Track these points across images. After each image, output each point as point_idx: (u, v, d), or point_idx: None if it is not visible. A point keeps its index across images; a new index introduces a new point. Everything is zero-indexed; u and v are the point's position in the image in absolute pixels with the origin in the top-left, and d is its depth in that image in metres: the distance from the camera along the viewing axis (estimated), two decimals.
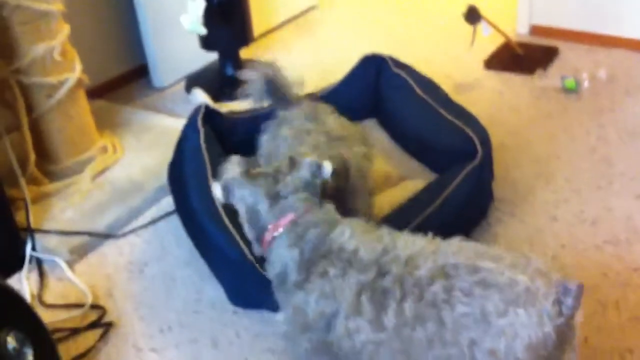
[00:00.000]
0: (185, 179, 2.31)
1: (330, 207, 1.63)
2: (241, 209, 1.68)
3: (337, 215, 1.62)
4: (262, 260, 2.03)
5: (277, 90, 2.32)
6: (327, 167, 1.68)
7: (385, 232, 1.57)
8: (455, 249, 1.47)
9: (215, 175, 2.10)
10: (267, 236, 1.62)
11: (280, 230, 1.59)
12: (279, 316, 1.71)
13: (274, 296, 1.93)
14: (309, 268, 1.54)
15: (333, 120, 2.23)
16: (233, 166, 1.69)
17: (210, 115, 2.53)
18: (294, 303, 1.57)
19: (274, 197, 1.62)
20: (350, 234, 1.54)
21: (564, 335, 1.36)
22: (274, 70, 2.32)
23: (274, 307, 2.05)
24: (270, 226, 1.62)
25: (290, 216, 1.59)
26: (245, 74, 2.33)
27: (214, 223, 2.12)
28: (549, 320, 1.33)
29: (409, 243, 1.51)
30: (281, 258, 1.59)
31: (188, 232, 2.39)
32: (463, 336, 1.38)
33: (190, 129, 2.44)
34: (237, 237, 2.06)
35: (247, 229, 1.71)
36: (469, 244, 1.50)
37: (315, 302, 1.52)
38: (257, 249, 1.71)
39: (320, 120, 2.20)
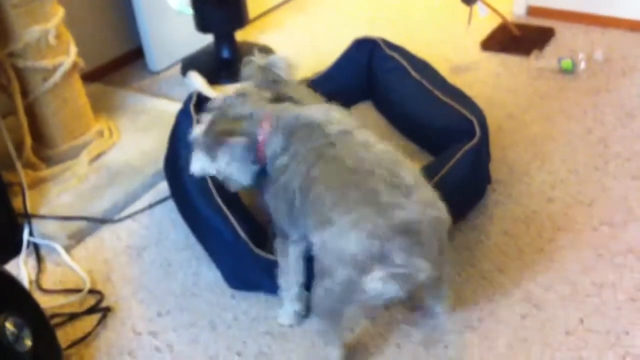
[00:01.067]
0: (181, 164, 2.31)
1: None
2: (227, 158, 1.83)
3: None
4: (256, 240, 2.06)
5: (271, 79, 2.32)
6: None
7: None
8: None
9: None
10: (260, 152, 1.82)
11: (262, 137, 1.80)
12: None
13: (270, 278, 2.00)
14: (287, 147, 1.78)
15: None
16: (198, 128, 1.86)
17: (204, 102, 2.53)
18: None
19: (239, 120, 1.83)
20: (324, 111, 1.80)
21: (380, 250, 1.57)
22: (269, 63, 2.33)
23: (270, 289, 2.07)
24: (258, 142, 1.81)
25: (264, 123, 1.81)
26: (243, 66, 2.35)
27: (208, 205, 2.13)
28: (371, 235, 1.56)
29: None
30: (273, 152, 1.80)
31: (184, 217, 2.39)
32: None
33: (183, 115, 2.45)
34: (232, 219, 2.07)
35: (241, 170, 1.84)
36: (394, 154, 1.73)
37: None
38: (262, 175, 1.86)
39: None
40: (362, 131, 1.78)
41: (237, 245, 2.05)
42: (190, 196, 2.21)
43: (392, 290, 1.59)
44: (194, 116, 2.41)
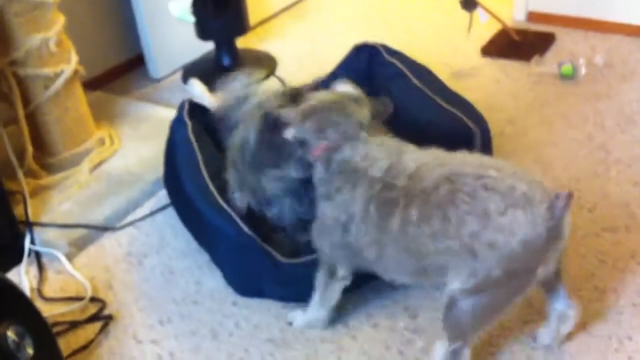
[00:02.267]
0: (179, 169, 2.32)
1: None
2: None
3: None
4: (260, 237, 2.07)
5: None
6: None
7: (394, 149, 1.79)
8: (460, 160, 1.68)
9: (207, 164, 2.26)
10: (314, 153, 1.86)
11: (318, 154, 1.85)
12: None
13: (274, 281, 2.03)
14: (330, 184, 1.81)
15: None
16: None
17: (199, 110, 2.56)
18: (318, 212, 1.85)
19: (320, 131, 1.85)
20: (363, 154, 1.78)
21: (553, 234, 1.57)
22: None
23: (273, 294, 2.07)
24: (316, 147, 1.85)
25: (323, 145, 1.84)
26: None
27: (211, 206, 2.14)
28: (542, 222, 1.53)
29: (416, 158, 1.73)
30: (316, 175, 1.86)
31: (185, 223, 2.40)
32: (465, 230, 1.57)
33: (177, 123, 2.47)
34: (235, 217, 2.08)
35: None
36: (473, 156, 1.72)
37: (332, 211, 1.80)
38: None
39: None
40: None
41: (241, 241, 2.05)
42: (191, 199, 2.21)
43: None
44: (188, 123, 2.43)
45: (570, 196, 1.55)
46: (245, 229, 2.05)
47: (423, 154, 1.76)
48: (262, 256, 2.03)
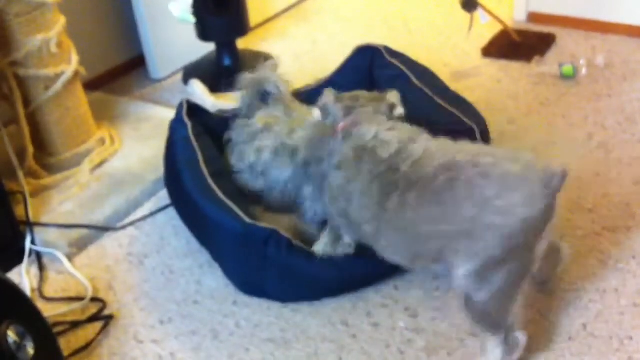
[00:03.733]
0: (179, 168, 2.32)
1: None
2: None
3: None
4: None
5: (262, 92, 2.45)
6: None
7: (406, 135, 1.89)
8: (460, 149, 1.77)
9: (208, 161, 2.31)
10: (338, 128, 2.03)
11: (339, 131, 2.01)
12: None
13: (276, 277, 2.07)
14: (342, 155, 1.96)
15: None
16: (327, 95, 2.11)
17: (198, 111, 2.58)
18: (330, 179, 1.99)
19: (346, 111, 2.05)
20: (374, 135, 1.91)
21: (549, 210, 1.65)
22: (262, 78, 2.45)
23: (275, 293, 2.08)
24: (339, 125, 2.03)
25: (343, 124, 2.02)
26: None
27: (212, 202, 2.14)
28: (539, 200, 1.61)
29: (424, 146, 1.82)
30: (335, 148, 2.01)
31: (186, 222, 2.40)
32: (463, 214, 1.65)
33: (177, 123, 2.48)
34: (236, 209, 2.09)
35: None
36: (473, 145, 1.84)
37: (339, 180, 1.94)
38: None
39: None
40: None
41: (243, 231, 2.05)
42: (192, 197, 2.22)
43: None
44: (188, 123, 2.43)
45: (564, 172, 1.63)
46: (247, 219, 2.06)
47: (431, 143, 1.85)
48: (266, 247, 2.03)
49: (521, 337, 1.77)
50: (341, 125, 2.01)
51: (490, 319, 1.74)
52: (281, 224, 2.14)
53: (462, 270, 1.69)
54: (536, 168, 1.66)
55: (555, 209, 1.68)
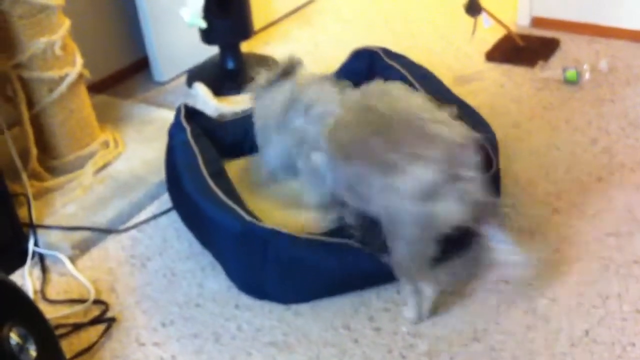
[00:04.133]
0: (179, 171, 2.33)
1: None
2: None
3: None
4: None
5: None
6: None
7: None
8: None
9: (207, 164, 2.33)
10: None
11: None
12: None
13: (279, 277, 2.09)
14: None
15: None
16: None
17: (197, 116, 2.59)
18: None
19: None
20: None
21: (452, 178, 1.81)
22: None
23: (276, 295, 2.08)
24: None
25: None
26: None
27: (213, 203, 2.15)
28: (440, 169, 1.79)
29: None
30: None
31: (187, 224, 2.41)
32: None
33: (176, 128, 2.48)
34: (238, 209, 2.09)
35: None
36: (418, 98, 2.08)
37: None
38: None
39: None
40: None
41: (243, 230, 2.05)
42: (192, 199, 2.22)
43: (460, 211, 1.82)
44: (187, 127, 2.44)
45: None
46: (248, 218, 2.06)
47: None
48: (266, 246, 2.03)
49: (429, 293, 1.98)
50: None
51: (402, 268, 1.95)
52: (289, 221, 2.15)
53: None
54: (461, 135, 1.85)
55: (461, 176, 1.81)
